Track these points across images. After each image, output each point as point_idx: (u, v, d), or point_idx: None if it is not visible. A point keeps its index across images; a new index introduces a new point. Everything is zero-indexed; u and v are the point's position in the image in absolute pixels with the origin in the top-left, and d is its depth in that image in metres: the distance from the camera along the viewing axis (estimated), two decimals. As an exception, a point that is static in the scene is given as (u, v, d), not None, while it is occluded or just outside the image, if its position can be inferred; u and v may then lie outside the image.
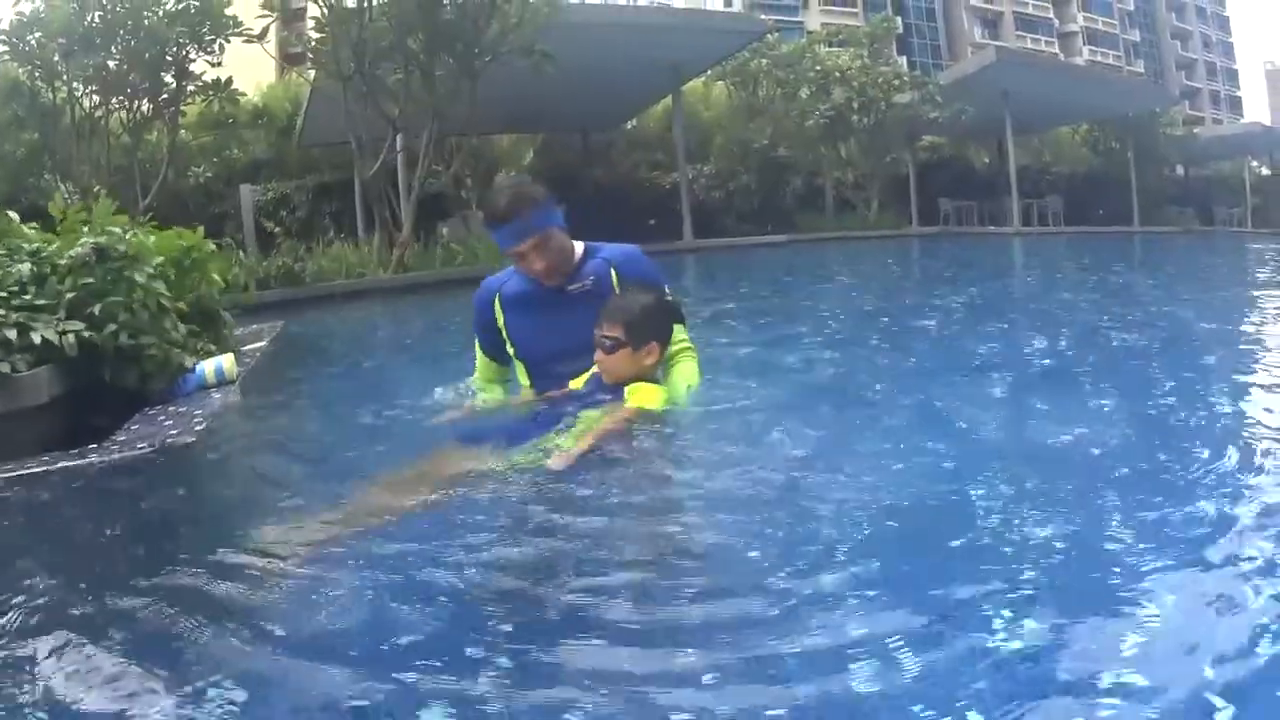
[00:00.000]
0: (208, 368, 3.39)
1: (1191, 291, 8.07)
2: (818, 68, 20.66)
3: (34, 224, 3.71)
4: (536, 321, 2.76)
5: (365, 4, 10.95)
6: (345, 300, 9.51)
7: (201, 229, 4.08)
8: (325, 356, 5.73)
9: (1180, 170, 31.04)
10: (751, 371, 3.57)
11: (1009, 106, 20.41)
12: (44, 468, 2.35)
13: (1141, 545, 1.62)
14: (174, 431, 2.66)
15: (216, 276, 4.13)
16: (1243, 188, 29.84)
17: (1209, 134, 31.37)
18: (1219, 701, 1.13)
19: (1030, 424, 2.77)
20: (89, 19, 10.79)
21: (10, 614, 1.50)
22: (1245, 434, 2.44)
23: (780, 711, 1.18)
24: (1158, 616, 1.37)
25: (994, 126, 21.79)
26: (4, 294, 2.98)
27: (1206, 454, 2.21)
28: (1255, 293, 7.79)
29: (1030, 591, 1.47)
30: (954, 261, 12.86)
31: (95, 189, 10.16)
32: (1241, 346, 4.39)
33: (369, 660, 1.34)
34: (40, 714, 1.22)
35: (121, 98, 11.82)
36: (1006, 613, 1.38)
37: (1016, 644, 1.29)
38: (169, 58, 11.48)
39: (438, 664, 1.31)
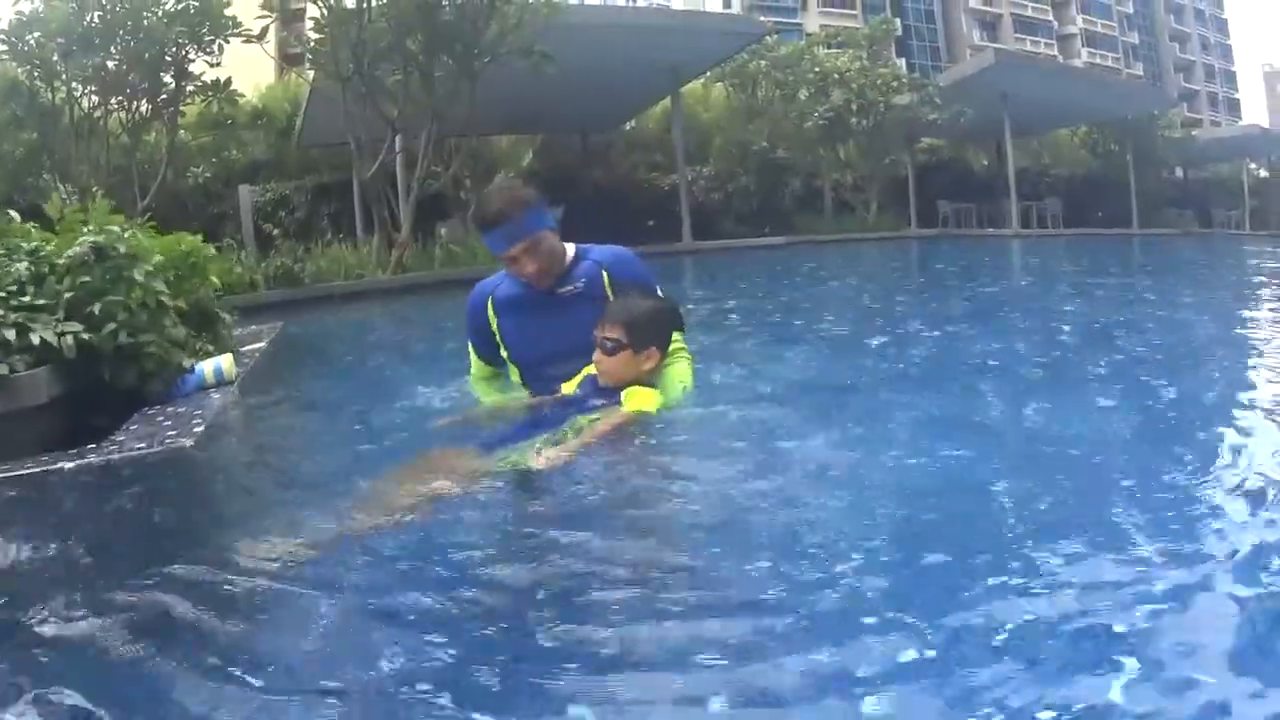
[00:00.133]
0: (207, 368, 3.39)
1: (1193, 294, 8.07)
2: (816, 69, 20.64)
3: (33, 224, 3.71)
4: (528, 324, 2.78)
5: (364, 5, 10.94)
6: (344, 301, 9.49)
7: (201, 232, 4.09)
8: (324, 357, 5.72)
9: (1179, 172, 31.07)
10: (749, 374, 3.57)
11: (1008, 109, 20.43)
12: (43, 468, 2.34)
13: (1144, 548, 1.62)
14: (173, 432, 2.66)
15: (215, 279, 4.13)
16: (1241, 190, 29.88)
17: (1207, 136, 31.39)
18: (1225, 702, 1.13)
19: (1031, 426, 2.76)
20: (88, 19, 10.77)
21: (9, 614, 1.50)
22: (1252, 436, 2.43)
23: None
24: (1161, 619, 1.36)
25: (993, 129, 21.80)
26: (2, 295, 2.97)
27: (1211, 456, 2.21)
28: (1257, 294, 7.80)
29: (1035, 597, 1.47)
30: (953, 264, 12.85)
31: (94, 189, 10.14)
32: (1245, 348, 4.38)
33: (359, 665, 1.33)
34: (36, 713, 1.22)
35: (120, 98, 11.79)
36: (1010, 621, 1.38)
37: (1022, 652, 1.28)
38: (168, 58, 11.46)
39: (428, 672, 1.30)
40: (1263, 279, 9.46)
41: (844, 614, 1.42)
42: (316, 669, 1.33)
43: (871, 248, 16.67)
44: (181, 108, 12.35)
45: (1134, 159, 25.25)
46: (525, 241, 2.64)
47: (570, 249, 2.82)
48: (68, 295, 3.06)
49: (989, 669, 1.24)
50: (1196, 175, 31.95)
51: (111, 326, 3.04)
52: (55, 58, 10.99)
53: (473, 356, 2.96)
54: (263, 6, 11.38)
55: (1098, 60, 61.09)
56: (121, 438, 2.64)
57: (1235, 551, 1.57)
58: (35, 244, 3.33)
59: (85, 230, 3.31)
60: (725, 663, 1.29)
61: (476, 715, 1.19)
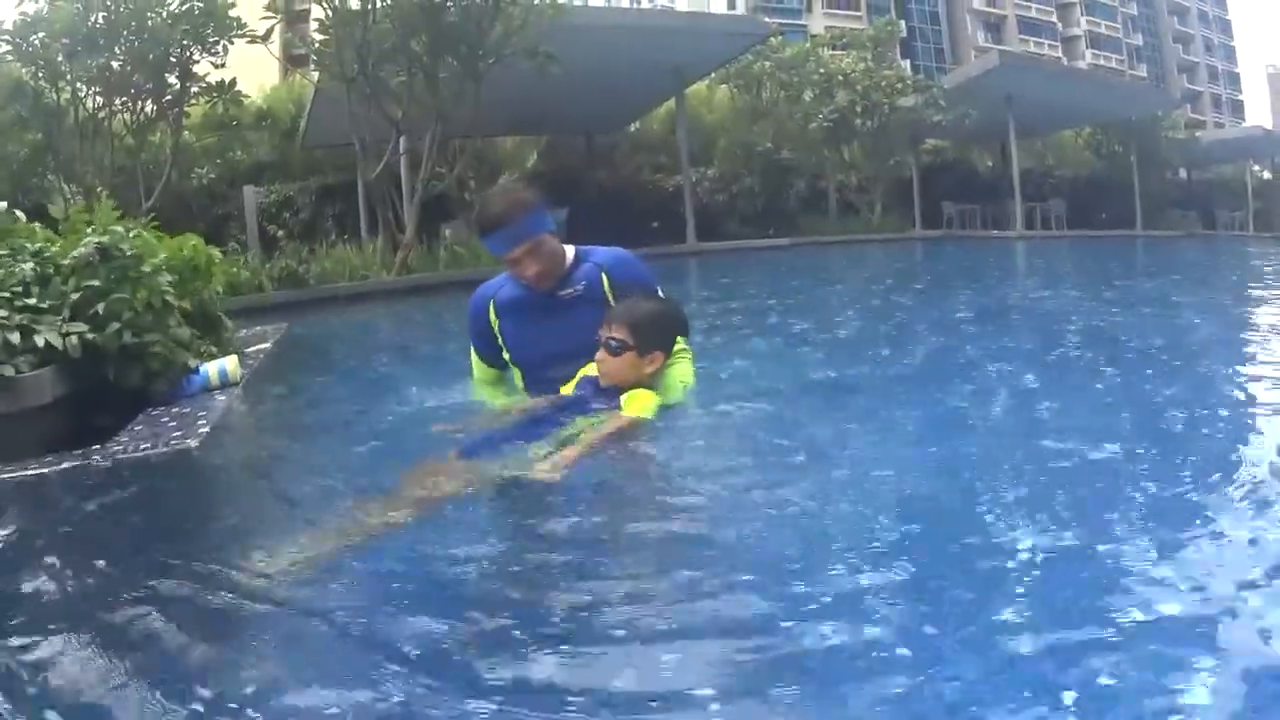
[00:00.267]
0: (211, 370, 3.38)
1: (1198, 296, 8.05)
2: (821, 71, 20.64)
3: (38, 224, 3.71)
4: (530, 327, 2.79)
5: (369, 6, 10.94)
6: (348, 302, 9.49)
7: (205, 233, 4.08)
8: (329, 358, 5.71)
9: (1183, 174, 31.01)
10: (752, 375, 3.56)
11: (1012, 110, 20.40)
12: (47, 468, 2.34)
13: (1148, 553, 1.61)
14: (178, 433, 2.66)
15: (219, 285, 4.12)
16: (1244, 191, 29.81)
17: (1211, 137, 31.33)
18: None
19: (1035, 428, 2.75)
20: (93, 20, 10.78)
21: (11, 614, 1.49)
22: (1259, 440, 2.42)
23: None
24: (1165, 622, 1.35)
25: (997, 130, 21.78)
26: (7, 295, 2.97)
27: (1216, 459, 2.20)
28: (1260, 296, 7.78)
29: (1038, 599, 1.46)
30: (957, 265, 12.84)
31: (98, 190, 10.14)
32: (1249, 350, 4.36)
33: (361, 672, 1.32)
34: (36, 713, 1.21)
35: (125, 99, 11.81)
36: (1012, 618, 1.37)
37: (1023, 653, 1.27)
38: (173, 59, 11.46)
39: (430, 680, 1.29)
40: (1267, 281, 9.44)
41: (846, 618, 1.40)
42: (310, 677, 1.32)
43: (876, 249, 16.67)
44: (186, 109, 12.35)
45: (1138, 160, 25.22)
46: (526, 244, 2.65)
47: (571, 251, 2.82)
48: (73, 296, 3.06)
49: (989, 671, 1.24)
50: (1200, 177, 31.88)
51: (116, 326, 3.04)
52: (60, 58, 10.99)
53: (475, 359, 2.96)
54: (267, 8, 11.39)
55: (1102, 62, 61.01)
56: (126, 438, 2.64)
57: (1244, 559, 1.56)
58: (40, 245, 3.33)
59: (89, 231, 3.31)
60: (727, 674, 1.28)
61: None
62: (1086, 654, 1.26)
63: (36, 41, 10.92)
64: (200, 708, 1.21)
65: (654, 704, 1.21)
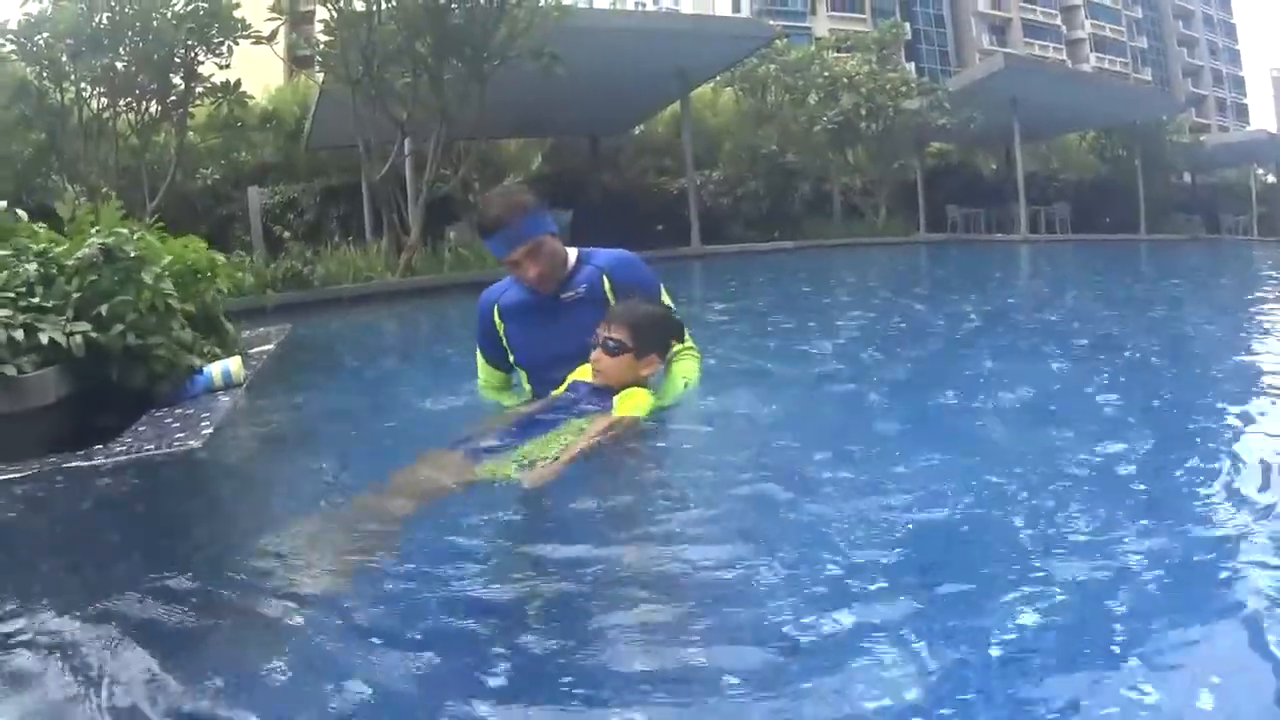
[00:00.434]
0: (215, 371, 3.38)
1: (1204, 300, 8.03)
2: (826, 74, 20.62)
3: (41, 224, 3.70)
4: (534, 329, 2.80)
5: (374, 7, 10.96)
6: (353, 304, 9.50)
7: (208, 235, 4.08)
8: (333, 360, 5.71)
9: (1187, 178, 30.96)
10: (753, 378, 3.55)
11: (1017, 113, 20.40)
12: (50, 468, 2.33)
13: (1156, 555, 1.59)
14: (181, 434, 2.65)
15: (222, 285, 4.12)
16: (1249, 195, 29.78)
17: (1216, 141, 31.32)
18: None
19: (1041, 435, 2.72)
20: (97, 20, 10.79)
21: (12, 614, 1.48)
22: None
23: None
24: (1168, 625, 1.35)
25: (1002, 133, 21.78)
26: (10, 295, 2.96)
27: (1223, 462, 2.18)
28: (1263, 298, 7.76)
29: (1044, 611, 1.43)
30: (962, 269, 12.83)
31: (103, 190, 10.17)
32: (1257, 355, 4.34)
33: (358, 673, 1.31)
34: (36, 714, 1.21)
35: (129, 99, 11.82)
36: (1018, 618, 1.36)
37: (1025, 657, 1.27)
38: (177, 59, 11.48)
39: (430, 679, 1.29)
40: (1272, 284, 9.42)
41: (847, 622, 1.39)
42: (308, 679, 1.31)
43: (880, 252, 16.67)
44: (190, 109, 12.38)
45: (1142, 164, 25.19)
46: (526, 246, 2.66)
47: (573, 254, 2.83)
48: (76, 296, 3.06)
49: (991, 672, 1.23)
50: (1204, 180, 31.82)
51: (120, 327, 3.04)
52: (64, 58, 11.01)
53: (481, 362, 2.98)
54: (272, 9, 11.42)
55: (1106, 65, 61.03)
56: (129, 439, 2.64)
57: (1252, 562, 1.54)
58: (44, 245, 3.33)
59: (94, 231, 3.31)
60: (724, 675, 1.27)
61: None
62: (1087, 654, 1.26)
63: (41, 41, 10.94)
64: (204, 706, 1.21)
65: (654, 703, 1.20)
